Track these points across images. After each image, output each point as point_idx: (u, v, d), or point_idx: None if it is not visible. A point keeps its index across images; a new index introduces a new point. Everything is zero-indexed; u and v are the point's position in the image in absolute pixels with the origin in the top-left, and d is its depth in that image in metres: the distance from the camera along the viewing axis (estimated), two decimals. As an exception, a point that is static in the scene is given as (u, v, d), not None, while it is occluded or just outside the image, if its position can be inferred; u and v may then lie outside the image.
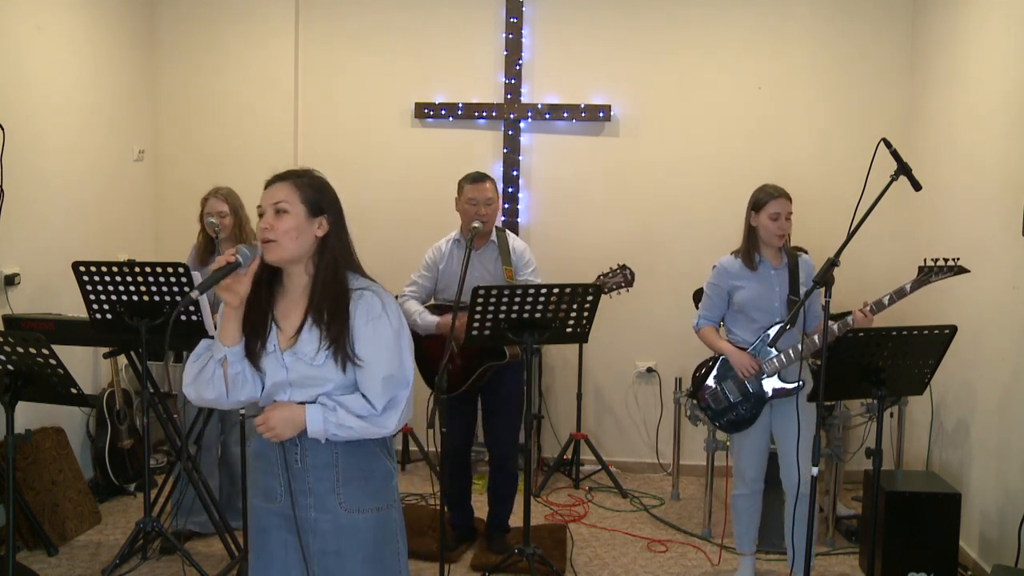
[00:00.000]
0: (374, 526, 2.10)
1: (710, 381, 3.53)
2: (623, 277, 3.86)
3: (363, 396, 2.04)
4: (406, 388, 2.06)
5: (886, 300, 3.23)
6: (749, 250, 3.46)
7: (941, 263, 3.15)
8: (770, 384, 3.41)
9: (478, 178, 3.77)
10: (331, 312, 2.02)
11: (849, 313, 3.29)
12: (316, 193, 2.08)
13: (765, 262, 3.46)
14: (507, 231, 3.94)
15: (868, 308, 3.22)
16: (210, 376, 2.04)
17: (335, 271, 2.05)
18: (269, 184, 2.11)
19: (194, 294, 1.95)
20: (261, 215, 2.07)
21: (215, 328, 3.35)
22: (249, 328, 2.06)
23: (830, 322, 3.27)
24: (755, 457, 3.52)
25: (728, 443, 3.71)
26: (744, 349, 3.44)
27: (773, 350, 3.38)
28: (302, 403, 2.04)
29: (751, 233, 3.45)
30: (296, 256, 2.04)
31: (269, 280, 2.10)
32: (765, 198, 3.39)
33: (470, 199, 3.73)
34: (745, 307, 3.45)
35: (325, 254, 2.06)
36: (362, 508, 2.09)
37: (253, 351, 2.06)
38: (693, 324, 3.60)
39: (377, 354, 2.03)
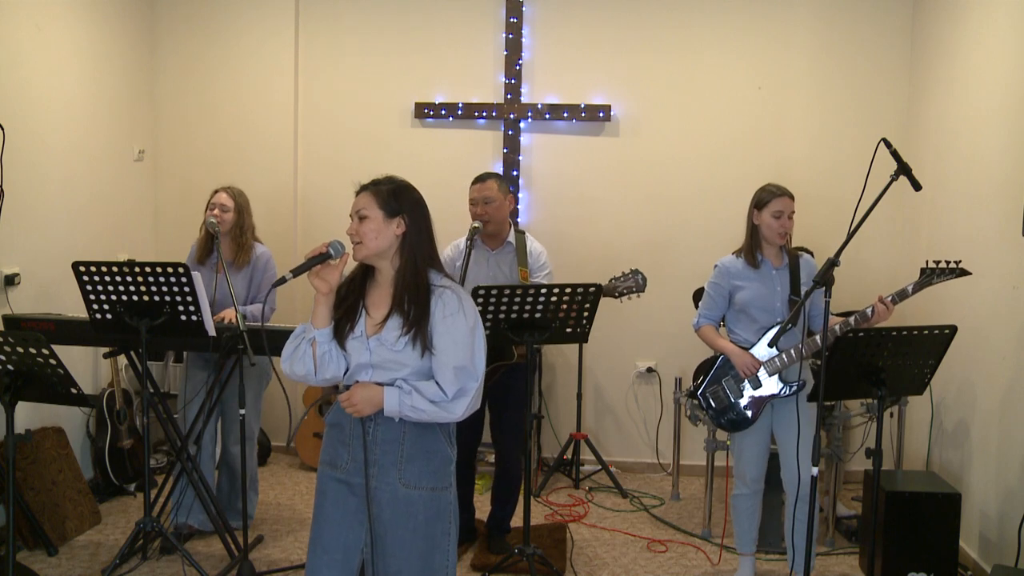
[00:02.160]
0: (427, 503, 2.31)
1: (711, 380, 3.53)
2: (635, 282, 3.84)
3: (436, 383, 2.26)
4: (475, 380, 2.28)
5: (889, 300, 3.23)
6: (751, 249, 3.46)
7: (943, 265, 3.15)
8: (769, 385, 3.42)
9: (479, 178, 3.77)
10: (412, 302, 2.26)
11: (852, 313, 3.28)
12: (392, 197, 2.31)
13: (767, 262, 3.46)
14: (527, 233, 3.91)
15: (890, 298, 3.21)
16: (302, 354, 2.31)
17: (415, 265, 2.29)
18: (356, 195, 2.36)
19: (288, 276, 2.26)
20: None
21: (214, 328, 3.39)
22: (343, 312, 2.32)
23: (846, 316, 3.28)
24: (756, 457, 3.52)
25: (729, 443, 3.72)
26: (746, 349, 3.44)
27: (774, 350, 3.38)
28: (382, 384, 2.26)
29: (753, 232, 3.46)
30: (378, 252, 2.29)
31: (364, 273, 2.37)
32: (768, 197, 3.40)
33: (471, 199, 3.74)
34: (746, 307, 3.45)
35: (406, 250, 2.30)
36: (418, 485, 2.30)
37: (342, 333, 2.31)
38: (693, 323, 3.60)
39: (452, 346, 2.26)
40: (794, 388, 3.37)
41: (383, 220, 2.28)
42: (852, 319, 3.23)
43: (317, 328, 2.29)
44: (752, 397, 3.43)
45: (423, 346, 2.25)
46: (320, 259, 2.25)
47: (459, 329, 2.27)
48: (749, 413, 3.43)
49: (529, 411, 3.48)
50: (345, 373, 2.33)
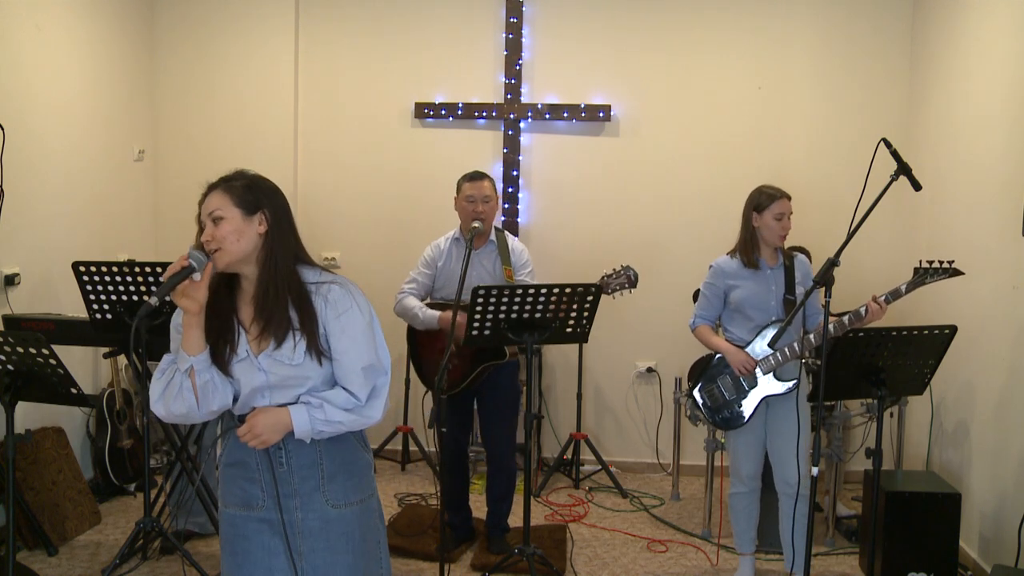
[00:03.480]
0: (359, 517, 2.13)
1: (706, 378, 3.54)
2: (627, 278, 3.86)
3: (344, 389, 2.04)
4: (385, 375, 2.08)
5: (882, 299, 3.23)
6: (749, 250, 3.46)
7: (936, 265, 3.15)
8: (765, 384, 3.42)
9: (476, 176, 3.78)
10: (296, 306, 2.00)
11: (847, 313, 3.29)
12: (248, 192, 2.04)
13: (762, 261, 3.47)
14: (506, 232, 3.94)
15: (884, 298, 3.22)
16: (178, 389, 1.99)
17: (286, 264, 2.02)
18: (203, 197, 2.07)
19: (152, 300, 1.90)
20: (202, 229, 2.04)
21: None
22: (215, 334, 2.02)
23: (840, 316, 3.28)
24: (751, 455, 3.52)
25: (723, 440, 3.72)
26: (741, 347, 3.45)
27: (770, 349, 3.39)
28: (283, 405, 2.02)
29: (752, 233, 3.46)
30: (243, 256, 2.01)
31: (228, 284, 2.07)
32: (768, 200, 3.40)
33: (468, 196, 3.74)
34: (742, 306, 3.46)
35: (272, 249, 2.02)
36: (347, 501, 2.11)
37: (222, 358, 2.02)
38: (689, 323, 3.62)
39: (353, 346, 2.04)
40: (790, 387, 3.38)
41: (242, 219, 1.99)
42: (846, 319, 3.23)
43: (192, 355, 1.96)
44: (746, 394, 3.43)
45: (318, 353, 2.01)
46: (184, 274, 1.91)
47: (356, 325, 2.04)
48: (744, 411, 3.44)
49: (529, 411, 3.48)
50: (235, 402, 2.06)
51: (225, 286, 2.06)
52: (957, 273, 3.17)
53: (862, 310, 3.23)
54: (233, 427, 2.06)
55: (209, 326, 2.00)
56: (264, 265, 2.02)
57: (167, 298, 1.93)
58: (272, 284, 2.01)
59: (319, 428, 2.01)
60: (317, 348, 2.01)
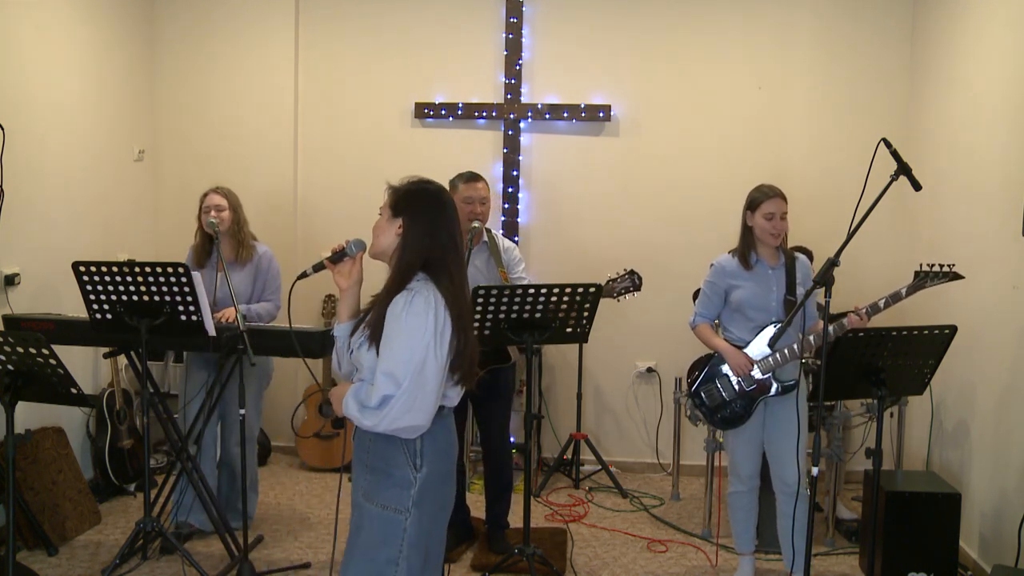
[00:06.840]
0: (374, 520, 2.19)
1: (705, 378, 3.54)
2: (631, 282, 3.89)
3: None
4: (396, 388, 2.06)
5: (881, 304, 3.23)
6: (745, 250, 3.47)
7: (936, 268, 3.15)
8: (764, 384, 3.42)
9: (472, 177, 3.78)
10: (382, 302, 2.19)
11: (845, 315, 3.29)
12: (400, 199, 2.28)
13: (762, 262, 3.47)
14: (492, 230, 3.93)
15: (864, 311, 3.22)
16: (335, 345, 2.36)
17: (403, 267, 2.21)
18: None
19: (308, 270, 2.40)
20: None
21: (214, 328, 3.38)
22: (365, 311, 2.29)
23: (836, 320, 3.28)
24: (750, 454, 3.52)
25: (720, 439, 3.71)
26: (740, 347, 3.45)
27: (768, 348, 3.39)
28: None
29: (747, 233, 3.47)
30: (382, 250, 2.28)
31: None
32: (760, 198, 3.40)
33: (466, 197, 3.74)
34: (742, 306, 3.46)
35: (401, 252, 2.24)
36: (372, 499, 2.20)
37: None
38: (689, 321, 3.61)
39: (385, 347, 2.12)
40: (787, 386, 3.39)
41: (388, 219, 2.27)
42: (831, 328, 3.21)
43: (338, 323, 2.34)
44: (746, 394, 3.43)
45: (377, 347, 2.15)
46: (335, 256, 2.33)
47: (395, 330, 2.11)
48: (742, 410, 3.44)
49: (529, 411, 3.48)
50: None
51: None
52: (957, 277, 3.16)
53: (845, 321, 3.23)
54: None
55: (374, 303, 2.26)
56: (395, 263, 2.25)
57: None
58: (391, 280, 2.22)
59: (347, 412, 2.15)
60: (374, 343, 2.14)
